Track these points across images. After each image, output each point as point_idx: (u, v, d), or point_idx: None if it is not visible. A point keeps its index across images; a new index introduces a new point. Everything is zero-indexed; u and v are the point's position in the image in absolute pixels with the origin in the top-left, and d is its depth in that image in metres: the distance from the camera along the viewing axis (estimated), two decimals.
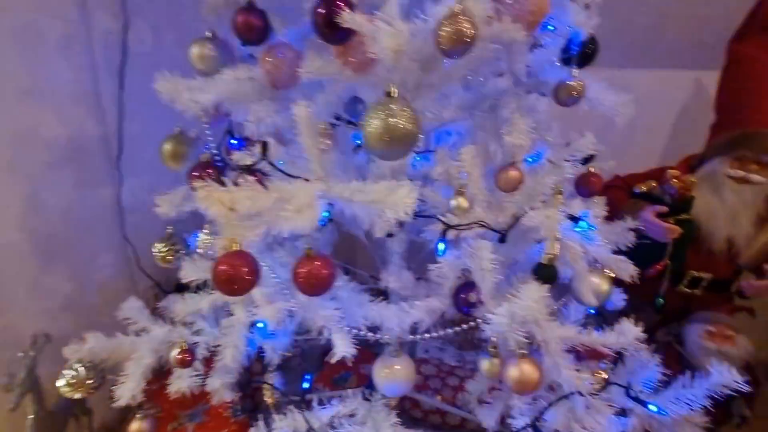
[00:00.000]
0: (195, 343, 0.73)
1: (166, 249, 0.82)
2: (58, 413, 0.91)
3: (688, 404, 0.68)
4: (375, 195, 0.52)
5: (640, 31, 1.45)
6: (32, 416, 0.85)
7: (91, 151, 1.05)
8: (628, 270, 0.68)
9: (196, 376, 0.75)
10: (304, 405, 0.77)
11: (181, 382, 0.74)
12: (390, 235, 0.64)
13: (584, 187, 0.84)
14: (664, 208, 1.15)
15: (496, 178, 0.67)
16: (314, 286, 0.52)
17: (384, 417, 0.72)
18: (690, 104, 1.56)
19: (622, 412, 0.70)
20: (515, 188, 0.66)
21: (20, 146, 0.93)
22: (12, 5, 0.86)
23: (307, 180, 0.54)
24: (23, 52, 0.90)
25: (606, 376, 0.62)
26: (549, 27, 0.65)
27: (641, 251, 1.25)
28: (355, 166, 0.68)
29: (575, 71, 0.66)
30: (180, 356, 0.70)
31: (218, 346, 0.72)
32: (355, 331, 0.66)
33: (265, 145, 0.61)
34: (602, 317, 0.82)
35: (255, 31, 0.65)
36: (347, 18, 0.49)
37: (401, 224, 0.61)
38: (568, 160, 0.79)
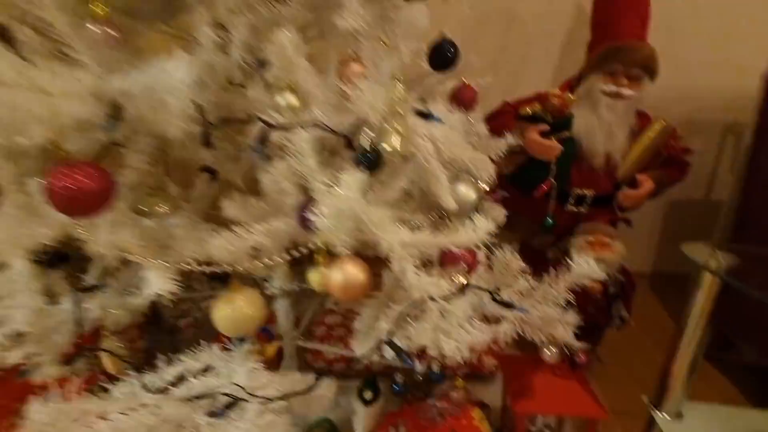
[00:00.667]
0: None
1: None
2: None
3: (555, 301, 0.66)
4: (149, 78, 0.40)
5: None
6: None
7: None
8: (486, 169, 0.64)
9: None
10: (149, 366, 0.66)
11: None
12: (207, 143, 0.53)
13: (459, 97, 0.80)
14: (545, 127, 1.16)
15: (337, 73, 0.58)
16: (73, 202, 0.40)
17: (241, 365, 0.63)
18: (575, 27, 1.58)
19: (494, 320, 0.67)
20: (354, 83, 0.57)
21: None
22: None
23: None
24: None
25: (465, 281, 0.57)
26: None
27: (528, 174, 1.28)
28: None
29: None
30: None
31: None
32: (180, 265, 0.55)
33: None
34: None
35: None
36: None
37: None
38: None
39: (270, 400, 0.55)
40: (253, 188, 0.60)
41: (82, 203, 0.41)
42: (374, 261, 0.54)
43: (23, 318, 0.55)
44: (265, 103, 0.53)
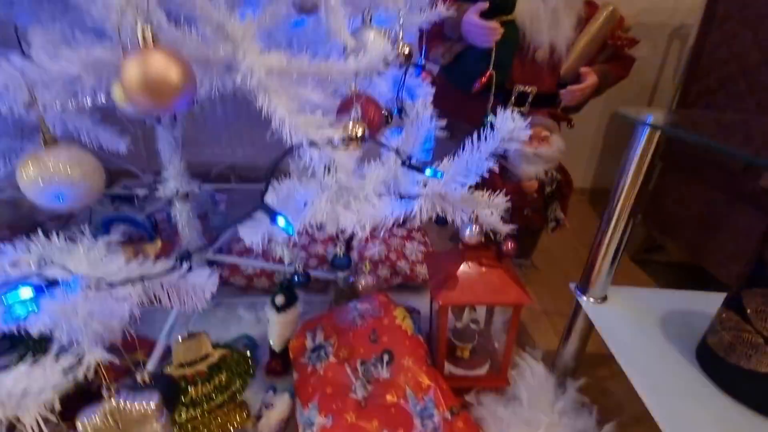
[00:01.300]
0: None
1: None
2: None
3: (477, 171, 0.57)
4: None
5: None
6: None
7: None
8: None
9: None
10: None
11: None
12: None
13: None
14: (484, 5, 1.02)
15: None
16: None
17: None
18: None
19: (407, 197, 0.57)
20: None
21: None
22: None
23: None
24: None
25: (360, 132, 0.45)
26: None
27: (466, 67, 1.16)
28: None
29: None
30: None
31: None
32: None
33: None
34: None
35: None
36: None
37: None
38: None
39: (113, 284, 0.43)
40: None
41: None
42: None
43: None
44: None
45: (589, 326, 0.78)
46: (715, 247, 1.07)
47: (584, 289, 0.77)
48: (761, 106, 1.03)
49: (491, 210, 0.70)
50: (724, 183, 1.08)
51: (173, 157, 0.82)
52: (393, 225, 0.56)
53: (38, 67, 0.37)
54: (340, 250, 0.58)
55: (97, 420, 0.41)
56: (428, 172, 0.52)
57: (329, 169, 0.44)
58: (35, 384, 0.31)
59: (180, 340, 0.58)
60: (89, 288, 0.40)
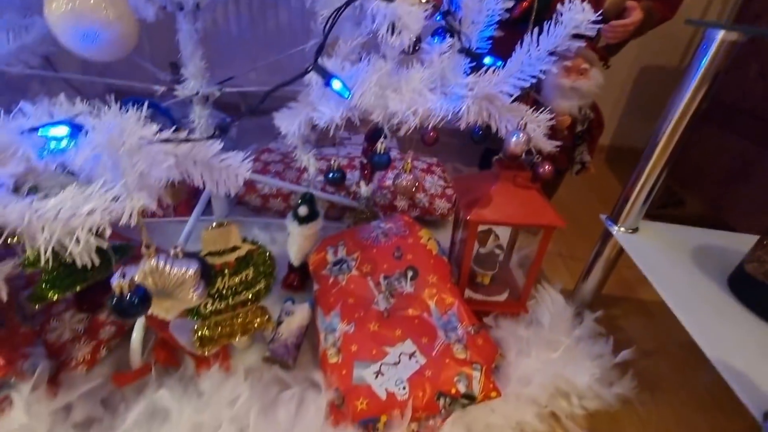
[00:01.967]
0: None
1: None
2: None
3: (532, 72, 0.53)
4: None
5: None
6: None
7: None
8: None
9: None
10: None
11: None
12: None
13: None
14: None
15: None
16: None
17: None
18: None
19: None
20: None
21: None
22: None
23: None
24: None
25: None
26: None
27: None
28: None
29: None
30: None
31: None
32: None
33: None
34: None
35: None
36: None
37: None
38: None
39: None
40: None
41: None
42: None
43: None
44: None
45: (615, 258, 0.77)
46: (741, 197, 1.05)
47: (615, 220, 0.76)
48: None
49: (535, 125, 0.67)
50: (758, 132, 1.04)
51: (194, 53, 0.77)
52: (440, 120, 0.52)
53: None
54: (381, 145, 0.55)
55: (137, 278, 0.39)
56: (487, 59, 0.48)
57: (394, 29, 0.40)
58: (85, 206, 0.29)
59: (210, 228, 0.56)
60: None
